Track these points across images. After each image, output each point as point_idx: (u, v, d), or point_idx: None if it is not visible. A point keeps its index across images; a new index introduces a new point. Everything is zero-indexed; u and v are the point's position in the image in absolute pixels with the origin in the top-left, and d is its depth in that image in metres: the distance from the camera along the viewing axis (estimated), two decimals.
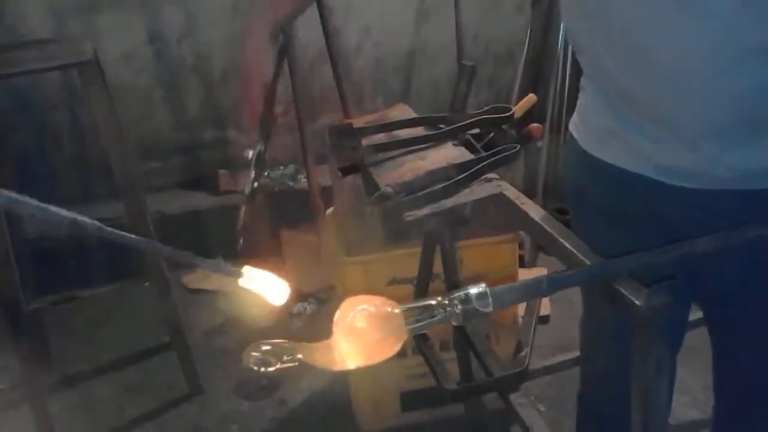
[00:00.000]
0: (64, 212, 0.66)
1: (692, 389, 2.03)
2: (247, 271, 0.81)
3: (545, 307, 2.44)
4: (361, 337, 0.73)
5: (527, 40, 2.87)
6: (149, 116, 2.91)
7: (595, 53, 1.00)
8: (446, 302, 0.75)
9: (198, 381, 2.21)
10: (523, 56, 2.87)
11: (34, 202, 0.64)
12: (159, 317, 2.16)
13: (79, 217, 0.67)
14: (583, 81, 1.12)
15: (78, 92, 2.61)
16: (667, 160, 0.97)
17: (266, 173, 2.90)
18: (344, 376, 2.02)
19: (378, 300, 0.76)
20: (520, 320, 2.06)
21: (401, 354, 1.88)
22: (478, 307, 0.75)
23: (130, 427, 2.10)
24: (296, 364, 0.74)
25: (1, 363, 2.17)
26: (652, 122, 0.96)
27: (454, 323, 0.77)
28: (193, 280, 2.81)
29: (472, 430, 1.86)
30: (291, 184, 2.86)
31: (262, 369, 0.75)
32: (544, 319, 2.42)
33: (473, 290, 0.75)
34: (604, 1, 0.91)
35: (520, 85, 2.90)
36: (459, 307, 0.75)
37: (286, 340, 0.76)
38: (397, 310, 0.74)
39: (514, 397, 1.39)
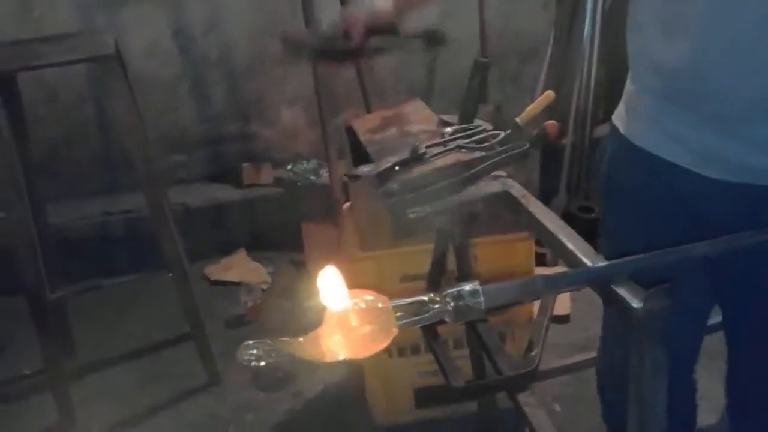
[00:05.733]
0: None
1: (712, 395, 1.99)
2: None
3: (565, 306, 2.41)
4: (349, 330, 0.74)
5: (552, 36, 2.83)
6: (174, 110, 2.94)
7: (647, 28, 1.01)
8: (438, 299, 0.75)
9: (216, 371, 2.24)
10: (548, 52, 2.84)
11: None
12: (180, 308, 2.19)
13: None
14: (631, 71, 1.13)
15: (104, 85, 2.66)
16: (707, 148, 0.97)
17: (289, 167, 2.92)
18: (359, 370, 2.03)
19: (369, 294, 0.77)
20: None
21: (414, 351, 1.91)
22: (470, 305, 0.74)
23: (149, 415, 2.14)
24: (285, 359, 0.75)
25: (26, 350, 2.22)
26: (696, 105, 0.96)
27: (447, 320, 0.77)
28: (216, 271, 2.84)
29: (484, 429, 1.86)
30: (313, 178, 2.87)
31: (253, 364, 0.76)
32: (563, 319, 2.40)
33: (466, 287, 0.75)
34: None
35: (544, 81, 2.86)
36: (451, 304, 0.75)
37: (275, 340, 0.77)
38: (386, 305, 0.74)
39: (523, 397, 1.37)
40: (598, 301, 1.34)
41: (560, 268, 2.63)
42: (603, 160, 1.23)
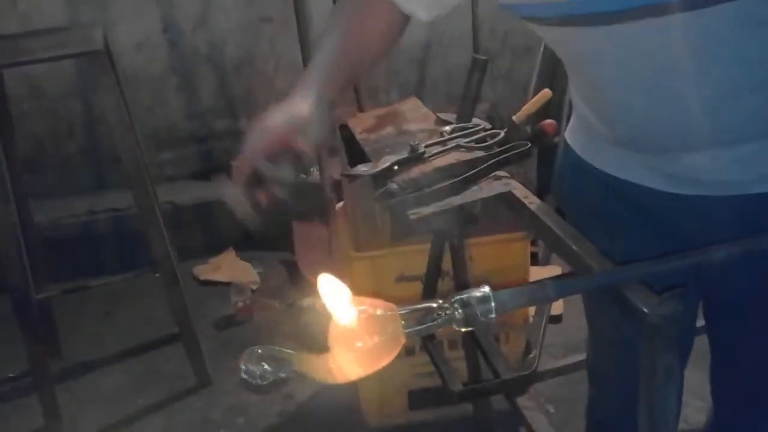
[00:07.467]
0: None
1: (706, 394, 1.98)
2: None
3: (558, 306, 2.40)
4: (357, 342, 0.71)
5: None
6: (162, 105, 2.89)
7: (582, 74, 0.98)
8: (446, 305, 0.73)
9: (206, 373, 2.20)
10: (541, 49, 2.82)
11: None
12: (169, 308, 2.15)
13: None
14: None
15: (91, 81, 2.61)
16: (668, 168, 0.94)
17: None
18: None
19: (375, 302, 0.74)
20: (531, 320, 2.03)
21: (409, 352, 1.89)
22: (479, 312, 0.72)
23: (138, 418, 2.10)
24: (293, 376, 0.72)
25: (11, 351, 2.17)
26: (651, 136, 0.93)
27: (456, 327, 0.74)
28: (205, 270, 2.80)
29: (479, 431, 1.84)
30: (303, 176, 2.83)
31: (256, 382, 0.73)
32: (556, 319, 2.38)
33: (475, 294, 0.72)
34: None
35: (537, 78, 2.84)
36: (460, 311, 0.72)
37: (283, 350, 0.74)
38: (394, 313, 0.71)
39: (521, 400, 1.36)
40: None
41: (553, 268, 2.62)
42: (559, 176, 1.18)
